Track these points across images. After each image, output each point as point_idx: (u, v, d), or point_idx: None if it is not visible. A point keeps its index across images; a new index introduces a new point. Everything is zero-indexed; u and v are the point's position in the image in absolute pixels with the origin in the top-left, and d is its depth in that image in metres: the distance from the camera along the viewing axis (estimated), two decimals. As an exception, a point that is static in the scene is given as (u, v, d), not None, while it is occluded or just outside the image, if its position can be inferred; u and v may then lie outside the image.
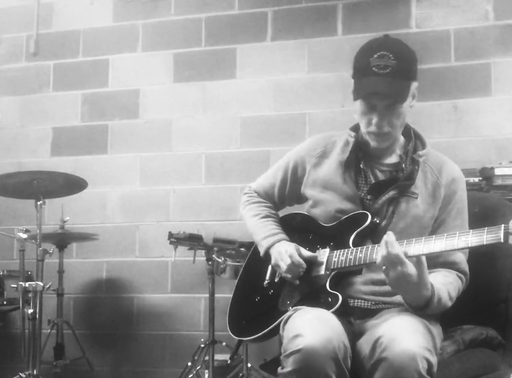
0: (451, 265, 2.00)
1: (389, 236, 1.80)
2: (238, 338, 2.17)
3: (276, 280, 2.15)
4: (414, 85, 2.03)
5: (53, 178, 3.52)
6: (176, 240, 3.57)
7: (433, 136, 3.90)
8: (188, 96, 4.33)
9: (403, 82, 1.97)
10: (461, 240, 1.75)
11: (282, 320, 1.95)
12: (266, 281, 2.17)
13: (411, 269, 1.78)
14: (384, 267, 1.81)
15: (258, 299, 2.17)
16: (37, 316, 3.21)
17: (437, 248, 1.79)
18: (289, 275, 2.06)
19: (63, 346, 3.92)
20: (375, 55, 1.95)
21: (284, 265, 2.05)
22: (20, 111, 4.58)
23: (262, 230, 2.23)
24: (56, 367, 3.79)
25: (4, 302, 3.75)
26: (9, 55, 4.63)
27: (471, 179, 3.43)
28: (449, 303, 1.93)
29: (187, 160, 4.28)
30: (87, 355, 3.96)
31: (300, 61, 4.17)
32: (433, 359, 1.69)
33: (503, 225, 1.68)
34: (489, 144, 3.84)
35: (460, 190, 2.07)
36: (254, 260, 2.31)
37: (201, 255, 3.68)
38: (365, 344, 1.83)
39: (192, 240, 3.59)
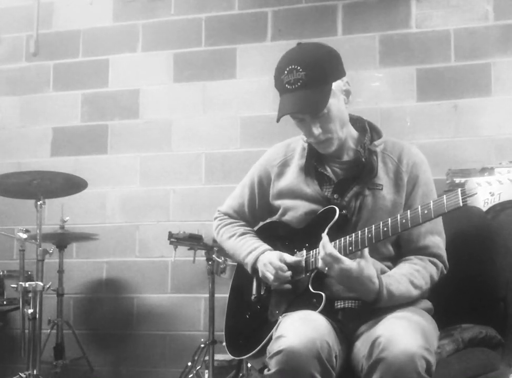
0: (423, 250, 2.00)
1: (323, 238, 1.85)
2: (237, 358, 2.18)
3: (262, 293, 2.14)
4: (338, 84, 2.00)
5: (53, 178, 3.52)
6: (176, 240, 3.57)
7: (433, 136, 3.91)
8: (188, 96, 4.33)
9: (318, 89, 1.94)
10: (423, 213, 1.75)
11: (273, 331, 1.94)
12: (253, 296, 2.15)
13: (348, 263, 1.81)
14: (326, 268, 1.84)
15: (249, 316, 2.16)
16: (37, 316, 3.21)
17: (403, 227, 1.80)
18: (277, 283, 2.04)
19: (63, 346, 3.91)
20: (285, 72, 1.95)
21: (270, 275, 2.03)
22: (20, 111, 4.58)
23: (242, 249, 2.20)
24: (56, 367, 3.79)
25: (4, 302, 3.76)
26: (9, 55, 4.63)
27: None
28: (414, 292, 1.93)
29: (187, 160, 4.28)
30: (87, 355, 3.96)
31: (300, 61, 4.16)
32: (432, 358, 1.68)
33: (459, 189, 1.67)
34: (489, 144, 3.84)
35: (423, 173, 2.06)
36: (239, 279, 2.30)
37: (201, 255, 3.68)
38: (363, 345, 1.83)
39: (192, 240, 3.59)
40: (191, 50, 4.36)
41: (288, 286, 2.04)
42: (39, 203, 3.40)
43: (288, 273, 2.02)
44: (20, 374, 3.24)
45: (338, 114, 2.00)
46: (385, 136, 2.11)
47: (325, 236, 1.86)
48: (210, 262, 3.55)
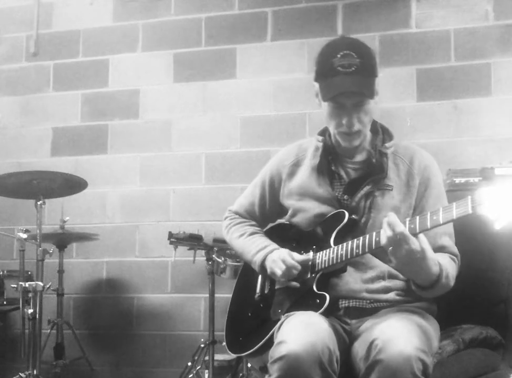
0: (440, 250, 2.00)
1: (390, 217, 1.79)
2: (236, 354, 2.18)
3: (266, 292, 2.14)
4: (376, 81, 2.06)
5: (53, 178, 3.52)
6: (176, 240, 3.58)
7: (433, 136, 3.91)
8: (189, 96, 4.33)
9: (369, 78, 2.00)
10: (432, 219, 1.74)
11: (274, 330, 1.94)
12: (257, 294, 2.16)
13: (417, 244, 1.76)
14: (390, 248, 1.79)
15: (251, 314, 2.17)
16: (37, 316, 3.21)
17: (411, 231, 1.77)
18: (285, 280, 2.05)
19: (63, 346, 3.91)
20: (338, 55, 1.97)
21: (279, 271, 2.04)
22: (20, 111, 4.57)
23: (251, 247, 2.20)
24: (56, 367, 3.79)
25: (4, 302, 3.76)
26: (9, 55, 4.63)
27: (471, 179, 3.42)
28: (452, 282, 1.93)
29: (187, 160, 4.28)
30: (87, 355, 3.96)
31: (300, 61, 4.16)
32: (429, 360, 1.69)
33: (469, 197, 1.66)
34: (489, 144, 3.84)
35: (434, 176, 2.09)
36: (244, 278, 2.31)
37: (201, 255, 3.68)
38: (361, 346, 1.83)
39: (192, 240, 3.60)
40: (191, 50, 4.35)
41: (295, 284, 2.04)
42: (39, 203, 3.40)
43: (297, 269, 2.02)
44: (20, 374, 3.24)
45: (372, 110, 2.05)
46: (396, 139, 2.14)
47: (393, 215, 1.80)
48: (210, 262, 3.55)
